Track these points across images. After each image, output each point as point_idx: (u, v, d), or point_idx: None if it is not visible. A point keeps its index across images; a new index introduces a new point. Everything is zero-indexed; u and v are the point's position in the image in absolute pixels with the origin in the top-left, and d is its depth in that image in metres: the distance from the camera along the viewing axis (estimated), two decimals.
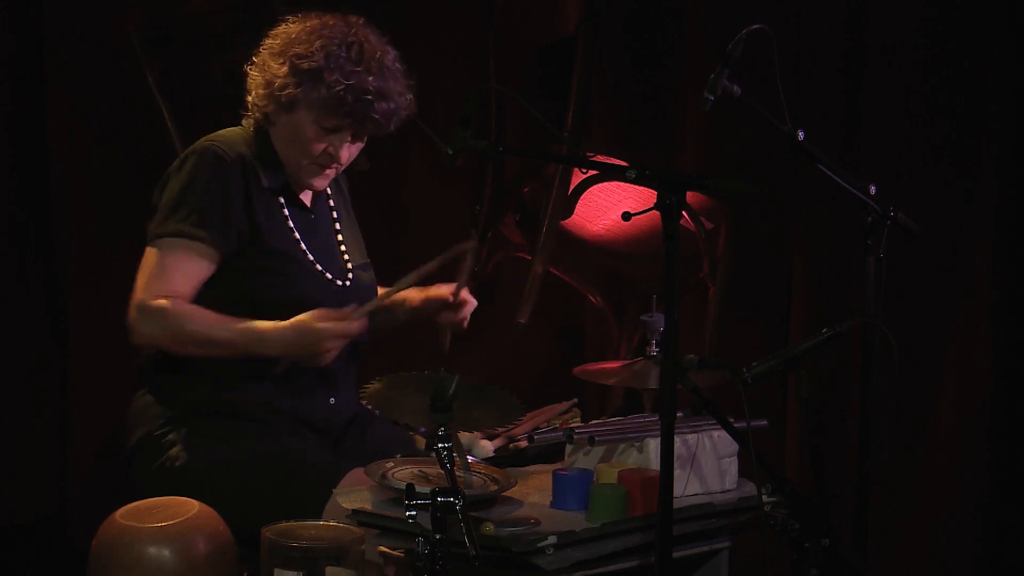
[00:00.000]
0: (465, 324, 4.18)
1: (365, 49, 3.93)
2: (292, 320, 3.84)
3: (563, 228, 5.12)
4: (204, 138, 4.03)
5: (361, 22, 4.00)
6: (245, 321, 3.86)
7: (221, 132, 4.05)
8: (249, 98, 4.03)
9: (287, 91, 3.94)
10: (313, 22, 3.98)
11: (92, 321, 5.22)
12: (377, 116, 3.93)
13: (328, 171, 4.02)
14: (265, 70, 3.98)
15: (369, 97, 3.90)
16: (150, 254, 3.92)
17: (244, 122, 4.07)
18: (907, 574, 4.84)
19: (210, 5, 5.14)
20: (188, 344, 3.88)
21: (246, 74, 4.01)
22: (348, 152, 4.00)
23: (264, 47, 4.00)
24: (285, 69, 3.94)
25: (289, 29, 3.99)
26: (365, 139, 4.02)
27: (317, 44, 3.92)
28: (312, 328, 3.84)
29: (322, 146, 3.97)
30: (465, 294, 4.15)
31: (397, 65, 3.99)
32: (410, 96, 4.00)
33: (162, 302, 3.86)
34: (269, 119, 4.01)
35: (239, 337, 3.87)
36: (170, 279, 3.89)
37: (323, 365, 3.89)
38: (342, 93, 3.89)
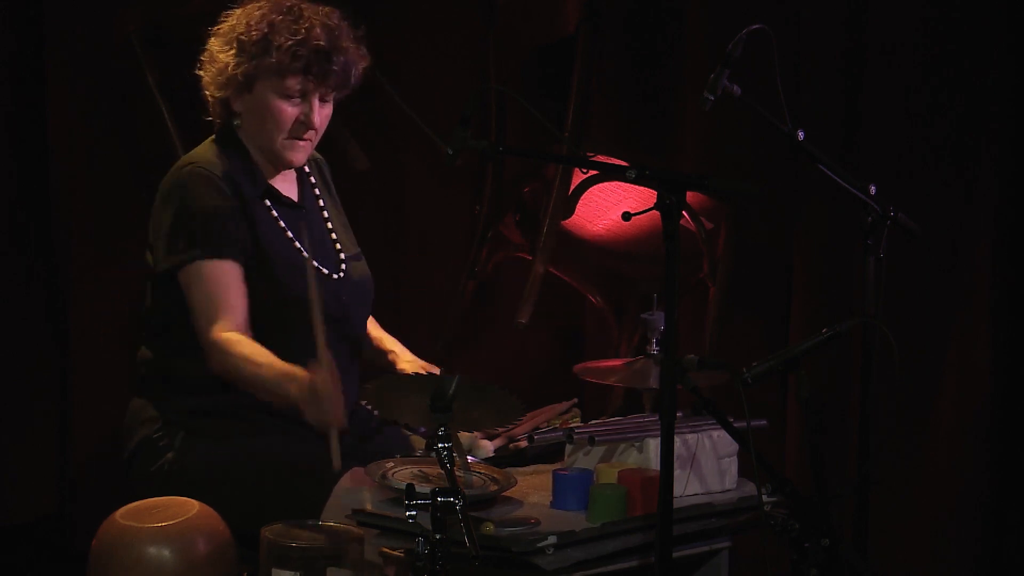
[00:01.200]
0: None
1: (304, 10, 3.94)
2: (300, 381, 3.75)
3: (563, 228, 5.12)
4: (183, 161, 4.00)
5: None
6: (275, 371, 3.80)
7: (194, 153, 4.02)
8: (206, 95, 4.01)
9: (240, 68, 3.93)
10: (249, 5, 3.98)
11: (92, 321, 5.22)
12: (336, 68, 3.92)
13: (303, 142, 4.00)
14: (215, 62, 3.97)
15: (323, 45, 3.90)
16: (187, 286, 3.88)
17: (211, 138, 4.05)
18: (907, 574, 4.84)
19: (210, 5, 5.13)
20: (235, 382, 3.87)
21: (199, 77, 4.01)
22: (319, 116, 3.99)
23: (208, 45, 4.00)
24: (233, 51, 3.94)
25: (228, 19, 4.00)
26: (331, 102, 4.00)
27: (257, 16, 3.93)
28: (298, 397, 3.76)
29: (292, 115, 3.95)
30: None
31: (341, 23, 3.97)
32: (363, 49, 3.99)
33: (214, 339, 3.82)
34: (230, 109, 3.99)
35: (264, 392, 3.83)
36: (219, 304, 3.86)
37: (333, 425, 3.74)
38: (296, 49, 3.89)
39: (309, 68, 3.91)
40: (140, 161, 5.19)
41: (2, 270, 5.22)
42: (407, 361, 4.15)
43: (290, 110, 3.96)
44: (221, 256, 3.88)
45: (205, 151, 4.02)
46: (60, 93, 5.22)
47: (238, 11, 4.00)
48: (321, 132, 4.03)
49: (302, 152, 4.02)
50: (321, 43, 3.90)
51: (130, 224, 5.07)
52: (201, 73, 4.01)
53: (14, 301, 5.24)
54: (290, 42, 3.89)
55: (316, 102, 3.96)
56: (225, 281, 3.88)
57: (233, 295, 3.88)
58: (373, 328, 4.25)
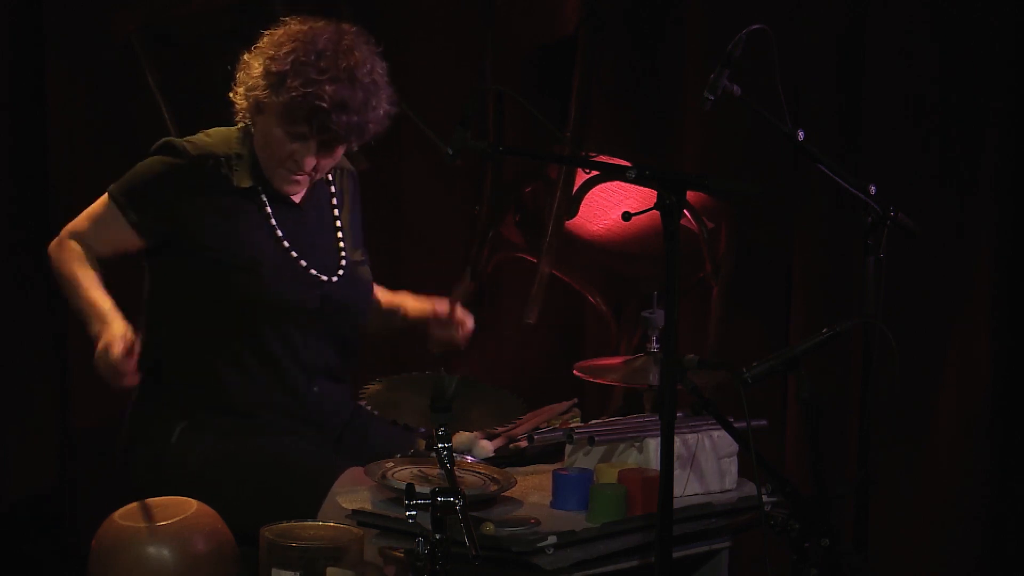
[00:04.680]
0: (460, 343, 4.22)
1: (338, 59, 3.91)
2: (103, 311, 3.92)
3: (564, 228, 5.12)
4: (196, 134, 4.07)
5: (353, 31, 3.98)
6: (96, 292, 3.96)
7: (212, 130, 4.08)
8: (233, 97, 4.04)
9: (255, 92, 3.96)
10: (300, 27, 3.97)
11: None
12: (335, 128, 3.91)
13: (297, 177, 4.01)
14: (246, 71, 3.99)
15: (324, 106, 3.88)
16: (99, 200, 4.06)
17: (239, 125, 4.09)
18: (907, 574, 4.84)
19: (210, 5, 5.14)
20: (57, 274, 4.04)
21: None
22: (313, 162, 3.98)
23: (254, 48, 4.01)
24: (259, 71, 3.95)
25: (277, 31, 3.99)
26: (336, 153, 4.00)
27: (288, 48, 3.93)
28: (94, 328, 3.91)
29: (288, 151, 3.97)
30: (461, 313, 4.16)
31: (375, 78, 3.96)
32: (383, 111, 3.98)
33: (67, 242, 4.02)
34: (248, 119, 4.03)
35: (79, 306, 3.97)
36: (91, 229, 4.03)
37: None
38: (299, 100, 3.89)
39: (308, 120, 3.91)
40: (140, 161, 5.19)
41: (2, 270, 5.22)
42: (413, 303, 4.25)
43: (289, 146, 3.96)
44: (124, 211, 4.00)
45: (220, 132, 4.07)
46: (60, 93, 5.22)
47: (284, 29, 3.99)
48: (320, 174, 4.04)
49: (293, 185, 4.04)
50: (323, 103, 3.88)
51: None
52: (237, 70, 4.03)
53: (13, 300, 5.24)
54: (295, 93, 3.89)
55: (313, 147, 3.96)
56: (108, 228, 4.02)
57: (102, 241, 4.02)
58: (383, 294, 4.30)
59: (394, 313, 4.27)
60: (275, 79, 3.92)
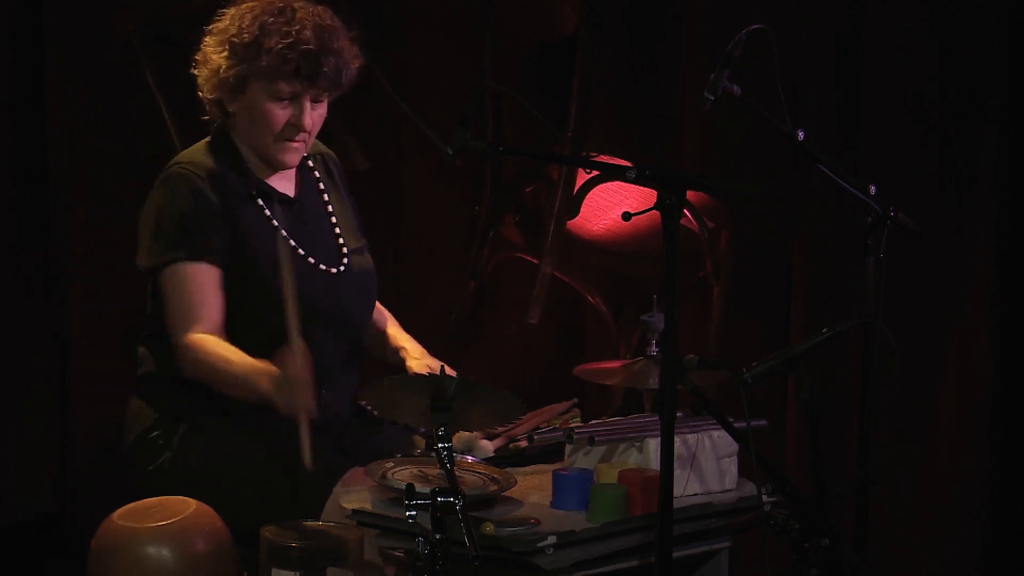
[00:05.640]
0: None
1: (297, 11, 3.93)
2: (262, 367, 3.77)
3: (564, 228, 5.12)
4: (172, 161, 4.03)
5: None
6: (246, 367, 3.80)
7: (184, 153, 4.05)
8: (201, 96, 4.02)
9: (232, 71, 3.94)
10: (243, 5, 3.98)
11: (92, 321, 5.23)
12: (327, 70, 3.91)
13: (296, 144, 4.01)
14: (208, 63, 3.98)
15: (312, 48, 3.89)
16: (164, 288, 3.91)
17: (206, 138, 4.07)
18: (907, 574, 4.84)
19: (210, 5, 5.13)
20: (207, 383, 3.88)
21: (194, 77, 4.02)
22: (311, 118, 3.98)
23: (203, 46, 4.01)
24: (225, 52, 3.94)
25: (220, 22, 4.00)
26: (326, 102, 4.00)
27: (248, 18, 3.93)
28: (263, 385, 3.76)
29: (283, 117, 3.96)
30: None
31: (334, 22, 3.97)
32: (355, 49, 3.99)
33: (186, 341, 3.85)
34: (224, 110, 4.01)
35: (235, 388, 3.84)
36: (194, 307, 3.89)
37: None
38: (286, 53, 3.89)
39: (299, 71, 3.91)
40: (140, 161, 5.19)
41: (2, 270, 5.22)
42: (415, 359, 4.15)
43: (281, 112, 3.96)
44: (197, 259, 3.90)
45: (195, 150, 4.05)
46: (60, 93, 5.22)
47: (232, 11, 4.00)
48: (315, 133, 4.04)
49: (294, 153, 4.03)
50: (311, 46, 3.89)
51: (130, 224, 5.06)
52: (196, 73, 4.02)
53: (14, 302, 5.24)
54: (280, 45, 3.89)
55: (307, 104, 3.96)
56: (200, 283, 3.90)
57: (208, 299, 3.90)
58: (390, 326, 4.26)
59: (394, 354, 4.23)
60: (248, 49, 3.91)
